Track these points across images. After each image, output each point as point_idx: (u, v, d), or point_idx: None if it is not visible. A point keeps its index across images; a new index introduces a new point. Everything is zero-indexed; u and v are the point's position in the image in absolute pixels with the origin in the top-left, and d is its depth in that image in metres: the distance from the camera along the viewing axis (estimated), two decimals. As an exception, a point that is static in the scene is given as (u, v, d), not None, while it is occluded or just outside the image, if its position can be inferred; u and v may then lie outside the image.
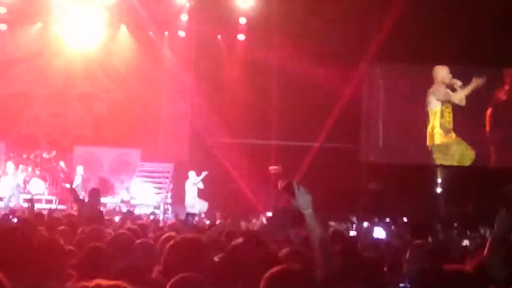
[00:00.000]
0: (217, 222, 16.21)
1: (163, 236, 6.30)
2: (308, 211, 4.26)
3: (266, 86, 23.77)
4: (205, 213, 21.11)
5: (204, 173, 21.87)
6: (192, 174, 22.14)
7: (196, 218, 17.95)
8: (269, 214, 20.98)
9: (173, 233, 6.91)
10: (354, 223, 18.69)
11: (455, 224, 14.80)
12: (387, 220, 17.88)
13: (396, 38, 22.38)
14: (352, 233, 15.93)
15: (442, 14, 22.44)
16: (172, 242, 4.13)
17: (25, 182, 22.51)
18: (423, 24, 22.57)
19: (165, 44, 25.39)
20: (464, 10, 21.98)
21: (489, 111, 24.84)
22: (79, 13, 23.47)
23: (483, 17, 22.01)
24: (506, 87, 24.92)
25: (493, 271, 5.61)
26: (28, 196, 20.53)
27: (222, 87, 24.24)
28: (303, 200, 4.25)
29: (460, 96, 24.91)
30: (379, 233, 11.52)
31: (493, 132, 24.83)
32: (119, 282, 2.57)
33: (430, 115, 25.14)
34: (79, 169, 22.65)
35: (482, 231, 15.09)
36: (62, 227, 8.89)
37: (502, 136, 24.69)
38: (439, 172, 25.31)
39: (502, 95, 24.90)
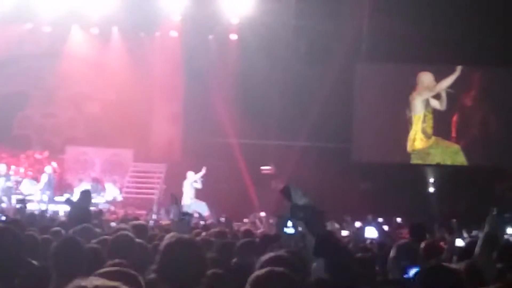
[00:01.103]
0: (208, 222, 16.25)
1: (157, 237, 6.29)
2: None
3: (258, 86, 23.75)
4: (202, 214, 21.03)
5: (203, 169, 21.86)
6: (190, 174, 22.11)
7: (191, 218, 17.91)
8: (262, 214, 20.98)
9: (164, 234, 6.90)
10: (347, 223, 18.70)
11: (454, 221, 14.79)
12: (380, 220, 17.90)
13: (388, 37, 22.43)
14: (344, 232, 15.94)
15: (434, 14, 22.50)
16: (167, 242, 4.12)
17: (17, 183, 22.45)
18: (416, 24, 22.62)
19: (157, 44, 25.38)
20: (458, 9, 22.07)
21: (455, 116, 25.05)
22: (71, 13, 23.37)
23: (474, 16, 22.09)
24: (472, 92, 25.04)
25: (483, 270, 5.63)
26: (21, 197, 20.56)
27: (214, 87, 24.21)
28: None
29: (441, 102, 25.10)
30: (371, 233, 11.50)
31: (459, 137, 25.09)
32: (116, 283, 2.56)
33: (413, 121, 25.32)
34: (47, 169, 22.54)
35: (474, 232, 15.10)
36: (55, 229, 8.88)
37: (468, 141, 24.94)
38: (431, 171, 25.34)
39: (468, 101, 25.04)
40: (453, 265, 5.97)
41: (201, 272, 3.99)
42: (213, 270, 4.49)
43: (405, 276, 5.71)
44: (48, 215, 16.73)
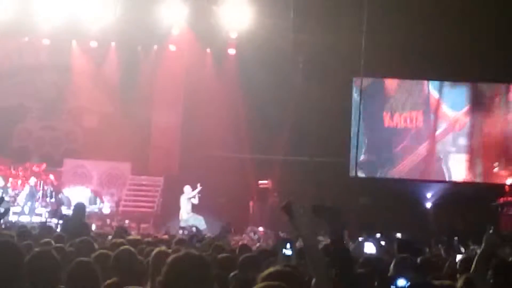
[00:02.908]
0: (206, 236, 16.23)
1: (154, 251, 6.28)
2: (305, 234, 4.25)
3: (256, 101, 23.80)
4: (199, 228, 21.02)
5: (198, 188, 21.86)
6: (187, 188, 22.10)
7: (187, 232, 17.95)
8: (261, 229, 20.99)
9: (163, 248, 6.90)
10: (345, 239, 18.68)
11: (456, 238, 14.84)
12: (378, 235, 17.87)
13: (386, 52, 22.49)
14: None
15: (433, 28, 22.56)
16: (175, 255, 4.10)
17: (15, 195, 22.46)
18: (416, 38, 22.70)
19: (155, 58, 25.44)
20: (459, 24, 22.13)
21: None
22: (70, 27, 23.44)
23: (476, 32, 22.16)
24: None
25: (479, 286, 5.67)
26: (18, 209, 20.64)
27: (213, 101, 24.26)
28: (301, 223, 4.25)
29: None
30: (369, 248, 11.54)
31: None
32: None
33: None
34: (31, 180, 22.60)
35: (471, 247, 15.11)
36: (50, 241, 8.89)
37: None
38: (429, 187, 25.32)
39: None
40: (446, 282, 6.01)
41: None
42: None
43: (393, 287, 5.74)
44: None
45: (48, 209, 21.88)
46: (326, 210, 4.24)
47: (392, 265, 6.05)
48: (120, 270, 5.76)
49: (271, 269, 4.43)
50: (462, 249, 14.71)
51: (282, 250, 6.92)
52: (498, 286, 5.63)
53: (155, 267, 5.48)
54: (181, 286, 3.88)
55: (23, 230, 10.96)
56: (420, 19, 22.43)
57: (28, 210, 21.59)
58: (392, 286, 5.64)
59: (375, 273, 6.96)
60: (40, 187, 23.34)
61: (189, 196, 21.90)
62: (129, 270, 5.77)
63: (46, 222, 19.47)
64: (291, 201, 4.28)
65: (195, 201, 21.97)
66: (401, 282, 5.57)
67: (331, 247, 4.21)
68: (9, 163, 24.14)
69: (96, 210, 23.27)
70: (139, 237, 11.06)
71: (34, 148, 25.68)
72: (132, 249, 6.43)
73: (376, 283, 6.65)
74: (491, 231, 6.54)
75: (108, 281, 5.18)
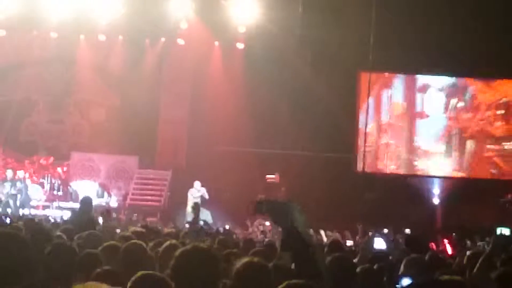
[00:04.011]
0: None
1: (164, 244, 6.29)
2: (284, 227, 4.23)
3: (264, 95, 23.79)
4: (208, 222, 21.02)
5: (204, 190, 21.88)
6: (197, 184, 22.08)
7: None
8: (267, 223, 20.96)
9: (174, 242, 6.89)
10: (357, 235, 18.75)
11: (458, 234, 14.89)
12: (385, 231, 17.86)
13: (394, 46, 22.43)
14: (349, 243, 15.95)
15: (441, 23, 22.48)
16: (183, 249, 4.10)
17: (25, 188, 22.50)
18: (423, 33, 22.64)
19: (163, 51, 25.44)
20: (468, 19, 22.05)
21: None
22: (78, 20, 23.45)
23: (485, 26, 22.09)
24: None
25: (482, 287, 5.64)
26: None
27: (220, 95, 24.25)
28: (277, 217, 4.24)
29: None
30: (379, 244, 11.51)
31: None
32: None
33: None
34: (20, 174, 22.67)
35: (478, 243, 15.10)
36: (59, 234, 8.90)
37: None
38: (436, 182, 25.26)
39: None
40: (456, 277, 5.98)
41: (214, 282, 3.98)
42: (224, 280, 4.49)
43: (398, 286, 5.74)
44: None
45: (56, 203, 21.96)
46: (267, 205, 4.24)
47: (402, 265, 6.04)
48: (128, 263, 5.75)
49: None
50: (468, 243, 14.71)
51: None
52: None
53: (164, 261, 5.48)
54: (189, 279, 3.89)
55: (31, 224, 10.96)
56: (430, 13, 22.38)
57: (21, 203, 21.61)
58: (397, 285, 5.64)
59: (384, 269, 6.96)
60: (47, 180, 23.48)
61: (198, 194, 21.81)
62: (138, 263, 5.76)
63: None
64: (257, 201, 4.29)
65: (206, 196, 21.90)
66: (406, 281, 5.57)
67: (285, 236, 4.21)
68: (17, 156, 24.18)
69: (104, 203, 23.29)
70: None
71: (41, 141, 25.71)
72: (142, 243, 6.42)
73: (385, 279, 6.65)
74: (498, 232, 6.52)
75: (98, 270, 5.20)
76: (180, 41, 24.89)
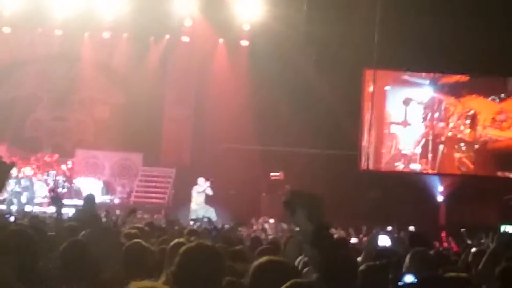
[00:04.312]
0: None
1: (172, 243, 6.30)
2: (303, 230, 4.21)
3: (268, 92, 23.80)
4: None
5: (208, 182, 21.86)
6: (201, 180, 22.11)
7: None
8: (271, 221, 20.97)
9: (181, 239, 6.89)
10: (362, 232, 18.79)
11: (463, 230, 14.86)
12: (389, 228, 17.87)
13: (399, 44, 22.39)
14: (353, 240, 15.96)
15: (447, 21, 22.43)
16: (187, 246, 4.10)
17: (30, 185, 22.53)
18: (428, 30, 22.59)
19: (167, 49, 25.45)
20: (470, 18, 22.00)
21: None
22: (82, 17, 23.49)
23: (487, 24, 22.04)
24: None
25: (486, 284, 5.64)
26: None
27: (225, 92, 24.26)
28: (299, 218, 4.21)
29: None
30: (384, 241, 11.49)
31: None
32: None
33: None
34: (26, 170, 22.76)
35: (482, 240, 15.09)
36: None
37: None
38: (440, 180, 25.24)
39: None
40: (462, 274, 5.99)
41: (218, 280, 3.98)
42: (228, 278, 4.49)
43: (400, 283, 5.72)
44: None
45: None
46: (302, 197, 4.19)
47: (407, 258, 6.04)
48: (129, 263, 5.77)
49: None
50: (469, 241, 14.68)
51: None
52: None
53: (171, 259, 5.49)
54: (194, 276, 3.88)
55: (35, 221, 10.98)
56: (435, 11, 22.33)
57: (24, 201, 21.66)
58: (400, 283, 5.62)
59: (389, 265, 6.94)
60: (52, 177, 23.52)
61: (201, 189, 21.88)
62: (139, 263, 5.78)
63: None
64: (291, 197, 4.23)
65: (210, 192, 21.95)
66: (409, 278, 5.55)
67: (315, 235, 4.15)
68: (21, 153, 24.21)
69: (108, 201, 23.32)
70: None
71: (46, 138, 25.75)
72: (144, 243, 6.42)
73: (390, 276, 6.63)
74: (502, 229, 6.51)
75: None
76: (185, 39, 24.90)
